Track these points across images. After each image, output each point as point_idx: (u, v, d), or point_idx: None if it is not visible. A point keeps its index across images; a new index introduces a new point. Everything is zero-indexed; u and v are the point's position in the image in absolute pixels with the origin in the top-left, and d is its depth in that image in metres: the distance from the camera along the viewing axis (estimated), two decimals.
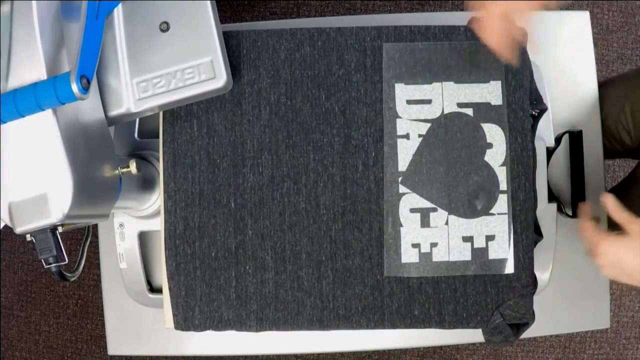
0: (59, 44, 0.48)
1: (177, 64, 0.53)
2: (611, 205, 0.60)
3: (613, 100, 0.79)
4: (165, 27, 0.53)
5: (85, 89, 0.44)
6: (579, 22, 0.78)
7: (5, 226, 0.49)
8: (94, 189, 0.51)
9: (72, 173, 0.46)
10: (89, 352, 1.39)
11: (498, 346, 0.64)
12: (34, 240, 0.47)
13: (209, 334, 0.64)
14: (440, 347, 1.34)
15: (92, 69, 0.47)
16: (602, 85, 0.79)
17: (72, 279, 0.50)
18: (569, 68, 0.77)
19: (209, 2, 0.54)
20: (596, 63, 0.78)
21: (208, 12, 0.54)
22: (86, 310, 1.38)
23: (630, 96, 0.78)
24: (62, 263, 0.47)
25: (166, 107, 0.55)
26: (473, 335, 0.66)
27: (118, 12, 0.54)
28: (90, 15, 0.47)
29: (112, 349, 0.78)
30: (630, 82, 0.82)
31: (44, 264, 0.47)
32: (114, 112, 0.54)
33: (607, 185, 0.78)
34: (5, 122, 0.45)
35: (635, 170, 0.83)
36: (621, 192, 0.85)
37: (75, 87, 0.43)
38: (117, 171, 0.55)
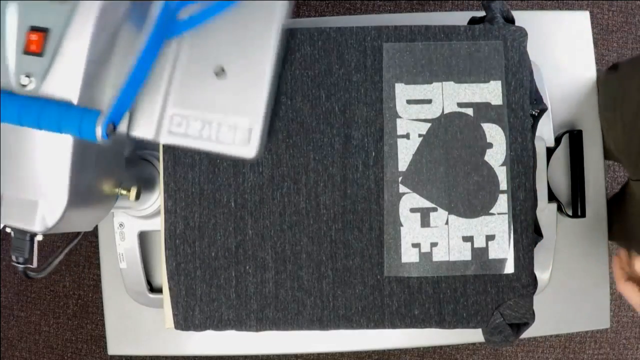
0: (102, 69, 0.46)
1: (217, 113, 0.50)
2: None
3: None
4: (220, 73, 0.50)
5: (109, 135, 0.43)
6: (579, 22, 0.78)
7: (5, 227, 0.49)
8: (86, 208, 0.50)
9: (68, 195, 0.45)
10: (89, 352, 1.39)
11: (498, 346, 0.64)
12: (12, 235, 0.47)
13: (209, 334, 0.65)
14: (440, 347, 1.34)
15: (123, 114, 0.46)
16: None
17: (37, 277, 0.50)
18: (569, 68, 0.77)
19: (269, 68, 0.50)
20: (596, 63, 0.78)
21: (265, 77, 0.50)
22: (86, 310, 1.38)
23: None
24: (30, 266, 0.47)
25: (187, 149, 0.53)
26: (473, 335, 0.66)
27: (179, 42, 0.51)
28: (149, 50, 0.46)
29: (112, 349, 0.78)
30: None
31: (13, 259, 0.47)
32: (137, 133, 0.50)
33: (607, 185, 0.78)
34: (23, 126, 0.44)
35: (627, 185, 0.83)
36: (620, 201, 0.85)
37: (99, 132, 0.42)
38: (117, 190, 0.54)
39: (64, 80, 0.44)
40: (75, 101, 0.44)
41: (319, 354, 1.34)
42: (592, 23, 0.78)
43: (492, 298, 0.61)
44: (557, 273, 0.73)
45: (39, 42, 0.44)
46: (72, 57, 0.44)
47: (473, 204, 0.62)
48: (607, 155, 0.79)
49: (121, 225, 0.69)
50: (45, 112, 0.43)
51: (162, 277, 0.63)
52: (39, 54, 0.44)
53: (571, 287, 0.76)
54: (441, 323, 0.62)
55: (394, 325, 0.62)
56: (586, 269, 0.76)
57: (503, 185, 0.62)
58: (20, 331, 1.40)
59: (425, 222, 0.62)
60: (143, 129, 0.50)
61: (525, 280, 0.61)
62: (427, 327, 0.62)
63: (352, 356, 1.37)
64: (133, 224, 0.69)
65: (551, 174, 0.73)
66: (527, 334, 0.63)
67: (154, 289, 0.73)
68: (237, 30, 0.50)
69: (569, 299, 0.76)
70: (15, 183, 0.46)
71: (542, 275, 0.71)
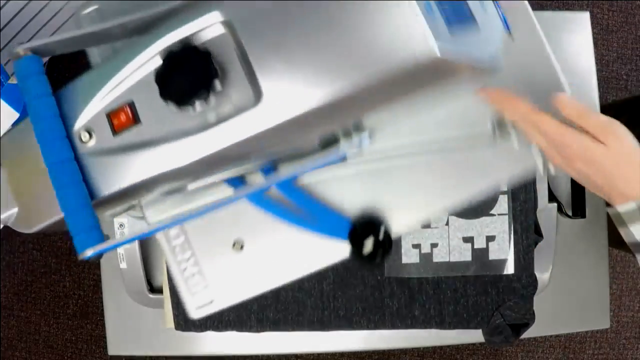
0: (157, 188, 0.42)
1: (206, 266, 0.51)
2: (572, 106, 0.41)
3: None
4: (237, 246, 0.50)
5: (91, 258, 0.38)
6: (579, 22, 0.78)
7: (5, 227, 0.49)
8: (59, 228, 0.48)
9: (41, 229, 0.42)
10: (89, 352, 1.39)
11: (498, 346, 0.64)
12: None
13: (209, 334, 0.64)
14: (440, 347, 1.34)
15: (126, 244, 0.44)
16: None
17: None
18: (569, 68, 0.77)
19: (278, 284, 0.50)
20: (596, 63, 0.78)
21: (267, 288, 0.51)
22: (86, 310, 1.38)
23: None
24: None
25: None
26: (473, 336, 0.66)
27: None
28: (219, 205, 0.42)
29: (112, 349, 0.78)
30: None
31: None
32: (138, 214, 0.49)
33: None
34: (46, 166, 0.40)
35: None
36: None
37: (87, 254, 0.37)
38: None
39: (114, 172, 0.38)
40: (104, 193, 0.39)
41: (319, 354, 1.34)
42: (592, 23, 0.78)
43: (492, 299, 0.61)
44: (557, 273, 0.73)
45: (122, 124, 0.37)
46: (143, 165, 0.38)
47: (473, 205, 0.61)
48: None
49: (121, 225, 0.69)
50: (66, 189, 0.37)
51: (162, 277, 0.62)
52: (114, 133, 0.38)
53: (571, 287, 0.76)
54: (441, 324, 0.62)
55: (394, 326, 0.62)
56: (586, 269, 0.76)
57: (503, 186, 0.61)
58: (20, 331, 1.40)
59: (425, 223, 0.61)
60: (147, 213, 0.49)
61: (525, 281, 0.61)
62: (428, 327, 0.62)
63: (352, 356, 1.37)
64: (133, 224, 0.69)
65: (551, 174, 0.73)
66: (527, 334, 0.63)
67: (154, 289, 0.73)
68: (288, 243, 0.50)
69: (569, 299, 0.76)
70: (13, 175, 0.44)
71: (542, 275, 0.71)
